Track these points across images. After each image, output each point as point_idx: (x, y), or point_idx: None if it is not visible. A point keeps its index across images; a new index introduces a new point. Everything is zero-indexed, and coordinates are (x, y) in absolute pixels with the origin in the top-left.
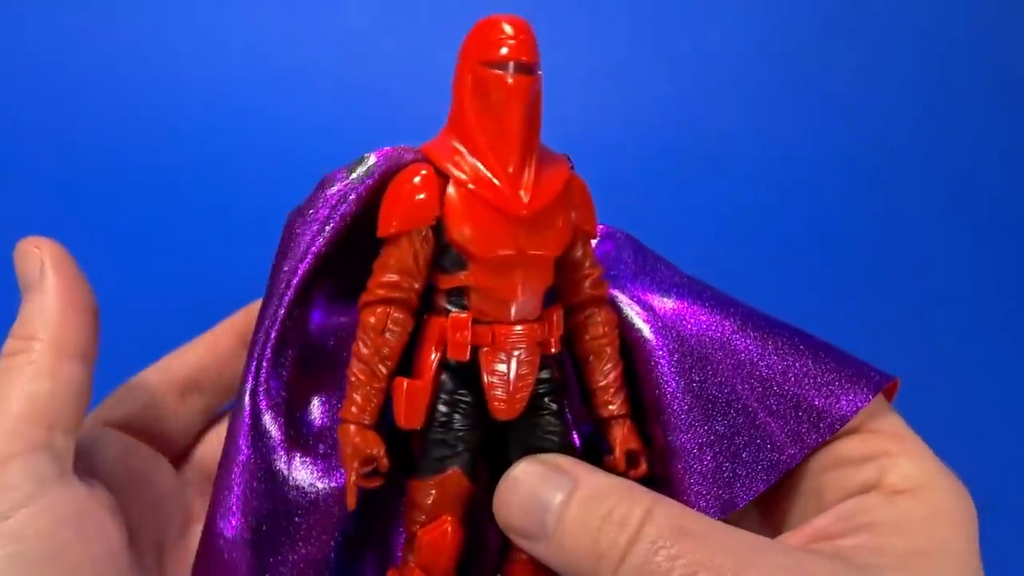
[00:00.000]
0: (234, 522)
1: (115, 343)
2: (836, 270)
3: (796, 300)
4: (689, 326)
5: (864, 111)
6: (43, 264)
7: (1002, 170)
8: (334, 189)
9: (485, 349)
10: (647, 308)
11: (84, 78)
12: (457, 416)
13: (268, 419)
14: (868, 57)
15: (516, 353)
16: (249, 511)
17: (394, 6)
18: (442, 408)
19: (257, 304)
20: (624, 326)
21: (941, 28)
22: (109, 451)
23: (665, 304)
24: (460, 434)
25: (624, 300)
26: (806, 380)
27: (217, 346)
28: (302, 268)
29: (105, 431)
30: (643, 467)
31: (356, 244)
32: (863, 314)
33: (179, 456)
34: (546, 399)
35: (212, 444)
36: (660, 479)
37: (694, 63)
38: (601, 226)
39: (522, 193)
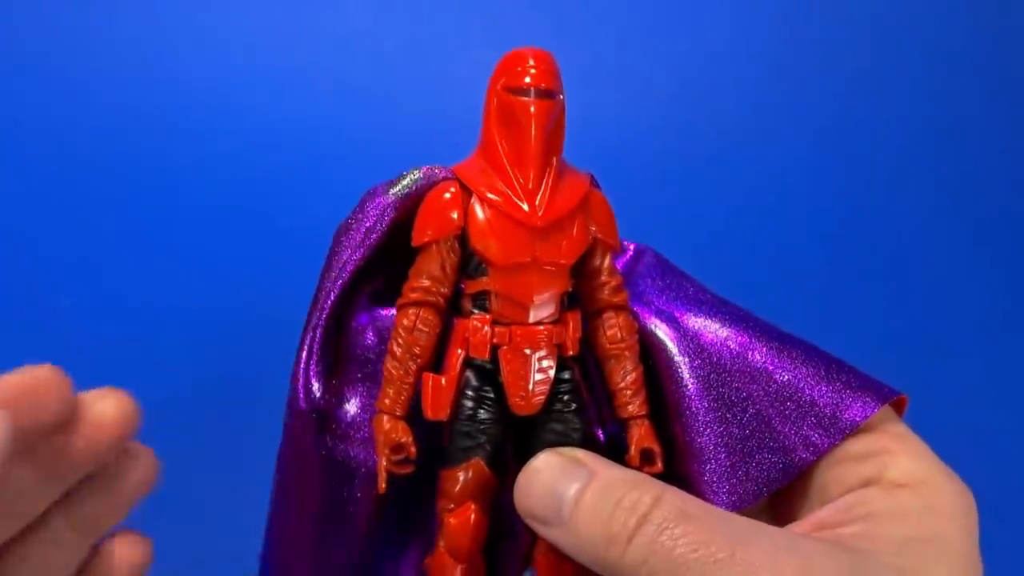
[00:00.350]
0: (298, 505)
1: (116, 344)
2: (838, 271)
3: (798, 300)
4: (709, 337)
5: (865, 111)
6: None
7: (1003, 170)
8: (376, 202)
9: (504, 348)
10: (670, 320)
11: (84, 78)
12: (481, 411)
13: (320, 408)
14: (869, 58)
15: (533, 353)
16: (312, 493)
17: (395, 7)
18: (467, 403)
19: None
20: (647, 335)
21: (942, 28)
22: None
23: (688, 317)
24: (483, 427)
25: (649, 312)
26: (818, 389)
27: None
28: (347, 271)
29: None
30: (658, 465)
31: (397, 252)
32: (864, 314)
33: None
34: (566, 397)
35: None
36: (679, 476)
37: (694, 63)
38: (633, 244)
39: (537, 206)
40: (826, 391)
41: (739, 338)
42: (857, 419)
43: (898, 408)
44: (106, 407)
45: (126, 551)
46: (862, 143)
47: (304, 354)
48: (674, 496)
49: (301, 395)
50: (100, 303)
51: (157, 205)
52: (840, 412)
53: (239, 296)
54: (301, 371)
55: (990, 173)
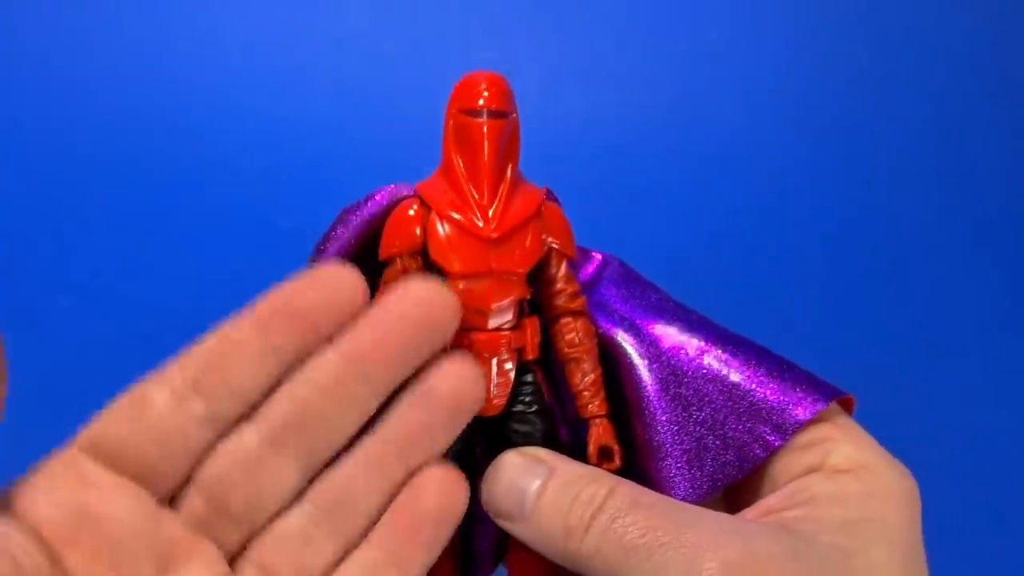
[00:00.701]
0: None
1: (115, 344)
2: (835, 272)
3: (799, 300)
4: (669, 342)
5: (865, 112)
6: None
7: (1004, 170)
8: (347, 220)
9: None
10: (632, 327)
11: (83, 77)
12: None
13: None
14: (869, 59)
15: (493, 357)
16: None
17: (395, 7)
18: None
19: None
20: (609, 341)
21: (942, 29)
22: (57, 487)
23: (649, 324)
24: None
25: (612, 320)
26: (769, 388)
27: (229, 339)
28: None
29: (66, 460)
30: (616, 462)
31: (370, 265)
32: (864, 314)
33: (178, 481)
34: (528, 399)
35: (222, 461)
36: (640, 472)
37: (693, 64)
38: (600, 254)
39: (491, 218)
40: (776, 391)
41: (696, 343)
42: (806, 417)
43: (846, 407)
44: (408, 296)
45: (440, 487)
46: (862, 143)
47: None
48: (627, 488)
49: None
50: (99, 303)
51: (154, 205)
52: (790, 410)
53: (238, 297)
54: None
55: (990, 173)
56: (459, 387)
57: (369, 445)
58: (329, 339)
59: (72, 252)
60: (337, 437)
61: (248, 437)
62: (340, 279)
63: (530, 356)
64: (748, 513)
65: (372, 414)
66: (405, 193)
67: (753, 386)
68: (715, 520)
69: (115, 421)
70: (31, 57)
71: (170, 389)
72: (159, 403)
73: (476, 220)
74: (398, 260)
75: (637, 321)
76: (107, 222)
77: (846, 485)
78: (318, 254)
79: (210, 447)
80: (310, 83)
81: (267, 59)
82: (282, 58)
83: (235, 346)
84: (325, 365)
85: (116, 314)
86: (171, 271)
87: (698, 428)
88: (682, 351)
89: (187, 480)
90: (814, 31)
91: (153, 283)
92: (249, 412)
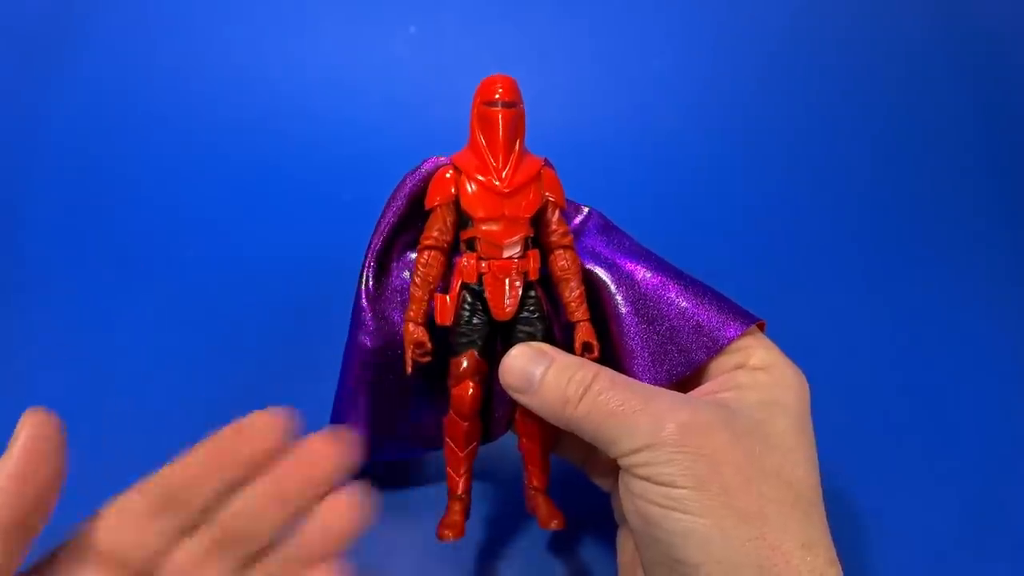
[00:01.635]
0: (358, 377)
1: (219, 280)
2: (822, 271)
3: (800, 301)
4: (639, 276)
5: (855, 114)
6: (19, 434)
7: (1001, 169)
8: (404, 182)
9: (487, 275)
10: (612, 265)
11: (210, 94)
12: (474, 318)
13: (371, 311)
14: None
15: (506, 278)
16: (367, 370)
17: (427, 42)
18: (464, 313)
19: (222, 436)
20: (595, 275)
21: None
22: None
23: (624, 262)
24: (475, 328)
25: (596, 260)
26: (711, 313)
27: (187, 465)
28: (385, 229)
29: (68, 554)
30: (595, 353)
31: (421, 213)
32: (864, 314)
33: (147, 571)
34: (532, 308)
35: (179, 557)
36: (614, 367)
37: (688, 66)
38: (586, 207)
39: (504, 178)
40: (715, 314)
41: (659, 277)
42: (736, 333)
43: (761, 328)
44: (319, 446)
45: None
46: (861, 143)
47: (362, 280)
48: (607, 372)
49: (364, 304)
50: (223, 254)
51: (255, 184)
52: (724, 328)
53: (315, 247)
54: (363, 290)
55: (989, 173)
56: (347, 513)
57: (282, 549)
58: (259, 469)
59: (201, 212)
60: (259, 543)
61: (197, 541)
62: (267, 425)
63: (533, 277)
64: (693, 393)
65: (285, 527)
66: (444, 161)
67: (699, 310)
68: (671, 396)
69: (105, 526)
70: (172, 79)
71: (147, 503)
72: (138, 514)
73: (494, 180)
74: (438, 209)
75: (616, 260)
76: (225, 196)
77: (760, 378)
78: (386, 206)
79: (171, 546)
80: (364, 96)
81: (336, 78)
82: (346, 78)
83: (191, 471)
84: (254, 490)
85: (231, 263)
86: (267, 233)
87: (659, 338)
88: (649, 283)
89: (153, 571)
90: (812, 30)
91: (253, 240)
92: (199, 520)
